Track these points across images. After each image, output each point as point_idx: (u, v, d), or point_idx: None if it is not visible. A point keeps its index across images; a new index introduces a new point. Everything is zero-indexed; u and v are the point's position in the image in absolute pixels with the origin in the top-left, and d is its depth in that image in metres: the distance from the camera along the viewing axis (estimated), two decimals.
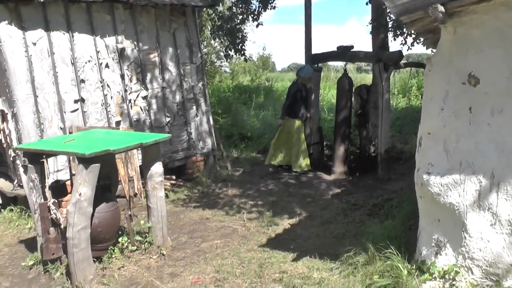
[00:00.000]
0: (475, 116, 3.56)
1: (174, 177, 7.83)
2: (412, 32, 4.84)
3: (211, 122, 8.66)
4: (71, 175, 6.10)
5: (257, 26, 11.40)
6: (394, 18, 9.02)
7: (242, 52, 12.01)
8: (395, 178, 8.01)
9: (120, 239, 5.13)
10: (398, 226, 5.17)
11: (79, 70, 6.79)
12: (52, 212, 4.68)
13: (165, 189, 6.61)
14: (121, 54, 7.27)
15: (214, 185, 8.01)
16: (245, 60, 12.74)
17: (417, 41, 10.08)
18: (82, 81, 6.84)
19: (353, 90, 9.22)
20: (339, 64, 20.47)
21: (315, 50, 9.46)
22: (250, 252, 5.19)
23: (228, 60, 14.25)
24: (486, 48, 3.48)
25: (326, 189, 7.86)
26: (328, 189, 7.86)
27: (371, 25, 9.47)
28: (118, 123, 7.21)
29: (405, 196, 6.41)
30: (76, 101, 6.78)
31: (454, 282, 3.80)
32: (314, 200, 7.27)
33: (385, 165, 8.18)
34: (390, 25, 9.48)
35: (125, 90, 7.34)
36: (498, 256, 3.58)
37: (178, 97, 8.09)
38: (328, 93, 17.86)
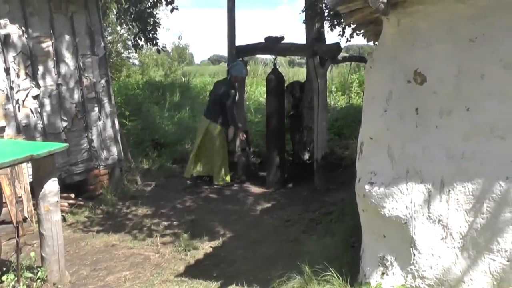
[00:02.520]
0: (422, 118, 3.68)
1: (72, 195, 7.61)
2: (351, 23, 4.96)
3: (117, 126, 8.51)
4: None
5: (171, 10, 11.28)
6: (330, 7, 9.25)
7: (154, 42, 11.84)
8: (334, 188, 8.20)
9: (4, 278, 4.88)
10: (339, 244, 5.29)
11: None
12: None
13: (62, 211, 6.39)
14: (5, 42, 6.98)
15: (121, 203, 7.86)
16: (158, 51, 12.58)
17: (357, 32, 10.32)
18: None
19: (285, 88, 9.33)
20: (268, 56, 20.75)
21: (241, 38, 9.60)
22: (166, 284, 5.14)
23: (137, 50, 14.00)
24: (433, 42, 3.60)
25: (254, 204, 7.93)
26: (257, 204, 7.94)
27: (304, 13, 9.56)
28: (2, 129, 6.93)
29: (346, 208, 6.55)
30: None
31: None
32: (240, 217, 7.32)
33: (323, 174, 8.36)
34: (326, 14, 9.64)
35: (11, 88, 7.06)
36: (449, 272, 3.69)
37: (77, 96, 7.89)
38: (255, 91, 18.01)
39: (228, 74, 8.99)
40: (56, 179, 5.08)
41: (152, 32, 11.80)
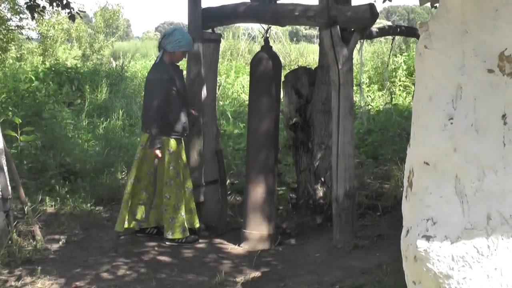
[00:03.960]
0: None
1: None
2: None
3: (1, 144, 8.48)
4: None
5: None
6: None
7: (65, 1, 11.88)
8: (366, 246, 8.20)
9: None
10: None
11: None
12: None
13: None
14: None
15: (6, 271, 7.82)
16: (71, 17, 12.62)
17: None
18: None
19: (283, 79, 9.33)
20: (256, 25, 20.89)
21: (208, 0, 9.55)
22: None
23: (36, 16, 14.01)
24: None
25: (232, 272, 7.92)
26: (237, 272, 7.93)
27: None
28: None
29: (386, 280, 6.56)
30: None
31: None
32: None
33: (347, 222, 8.34)
34: None
35: None
36: None
37: None
38: (234, 83, 18.09)
39: (160, 50, 8.90)
40: None
41: None
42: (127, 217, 8.78)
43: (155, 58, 9.30)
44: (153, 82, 8.71)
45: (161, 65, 8.75)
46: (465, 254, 3.78)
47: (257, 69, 9.03)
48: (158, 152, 8.58)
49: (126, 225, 8.79)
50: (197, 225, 8.85)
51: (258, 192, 8.87)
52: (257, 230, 8.80)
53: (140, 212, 8.87)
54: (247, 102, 13.22)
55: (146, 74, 9.53)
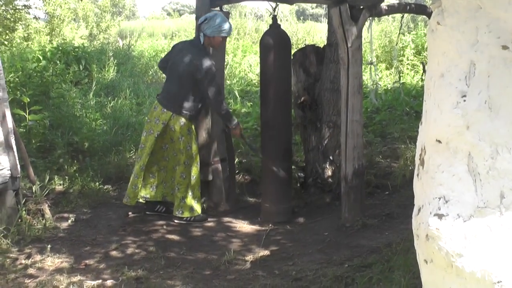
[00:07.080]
0: None
1: None
2: None
3: (10, 122, 8.46)
4: None
5: None
6: None
7: None
8: (375, 225, 8.18)
9: None
10: None
11: None
12: None
13: None
14: None
15: (16, 249, 7.82)
16: None
17: None
18: None
19: (292, 57, 9.28)
20: (263, 4, 20.77)
21: None
22: None
23: None
24: None
25: (241, 251, 7.92)
26: (246, 251, 7.93)
27: None
28: None
29: (396, 258, 6.52)
30: None
31: None
32: (218, 273, 7.31)
33: (355, 201, 8.33)
34: None
35: None
36: None
37: None
38: (241, 62, 18.03)
39: (199, 33, 8.77)
40: None
41: None
42: (136, 191, 8.78)
43: (189, 40, 9.20)
44: (201, 63, 8.52)
45: (204, 49, 8.72)
46: (478, 232, 3.75)
47: (267, 48, 8.93)
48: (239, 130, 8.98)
49: (135, 200, 8.81)
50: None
51: (273, 170, 8.87)
52: (273, 206, 8.86)
53: (149, 187, 8.90)
54: (254, 81, 13.15)
55: (158, 53, 9.43)
